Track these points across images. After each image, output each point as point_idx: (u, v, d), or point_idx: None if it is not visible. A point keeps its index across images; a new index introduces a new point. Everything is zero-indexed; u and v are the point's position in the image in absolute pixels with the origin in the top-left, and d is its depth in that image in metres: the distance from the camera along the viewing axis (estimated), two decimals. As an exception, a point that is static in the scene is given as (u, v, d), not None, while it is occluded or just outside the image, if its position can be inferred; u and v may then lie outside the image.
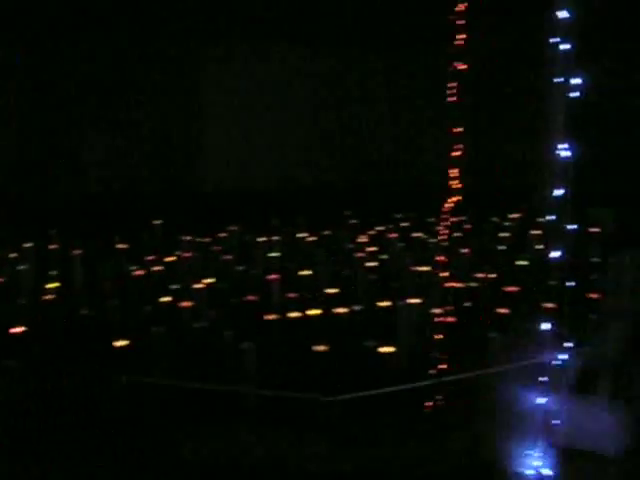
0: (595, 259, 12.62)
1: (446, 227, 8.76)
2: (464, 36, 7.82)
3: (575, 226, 3.90)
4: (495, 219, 17.14)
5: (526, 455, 3.97)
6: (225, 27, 19.14)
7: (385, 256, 13.90)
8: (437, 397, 7.91)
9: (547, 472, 3.74)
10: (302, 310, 10.74)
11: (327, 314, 10.62)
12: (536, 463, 3.75)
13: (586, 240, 12.86)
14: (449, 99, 8.38)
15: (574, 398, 4.93)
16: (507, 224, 16.48)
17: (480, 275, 12.35)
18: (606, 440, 4.76)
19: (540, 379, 3.85)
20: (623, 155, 16.32)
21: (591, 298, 10.05)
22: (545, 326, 3.80)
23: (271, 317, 10.47)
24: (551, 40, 3.67)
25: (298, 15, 19.16)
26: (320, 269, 12.76)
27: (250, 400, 8.22)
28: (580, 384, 5.07)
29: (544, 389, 3.79)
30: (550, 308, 4.63)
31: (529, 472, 3.80)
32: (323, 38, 20.08)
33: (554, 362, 3.81)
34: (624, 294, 4.76)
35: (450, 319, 9.27)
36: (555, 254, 3.73)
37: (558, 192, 3.67)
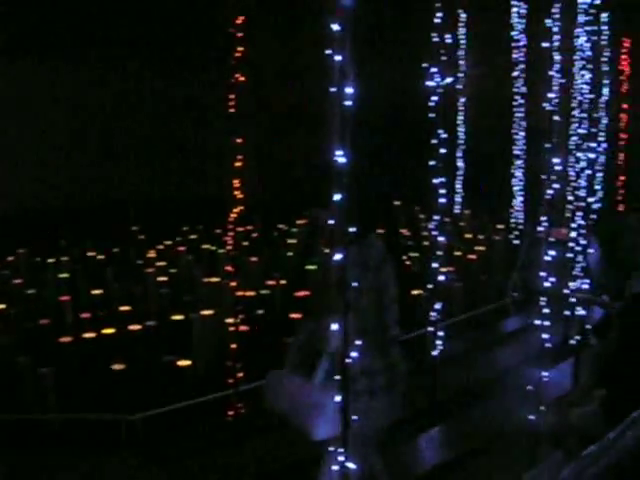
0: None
1: (232, 237, 8.90)
2: (242, 49, 7.98)
3: (355, 228, 4.06)
4: (282, 226, 17.47)
5: (331, 452, 4.12)
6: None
7: (175, 270, 13.88)
8: (238, 405, 8.04)
9: (352, 466, 3.90)
10: (97, 330, 10.60)
11: (122, 332, 10.52)
12: (341, 459, 3.90)
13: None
14: (229, 110, 8.50)
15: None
16: (294, 230, 16.81)
17: (271, 282, 12.59)
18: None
19: (335, 378, 3.99)
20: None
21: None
22: (334, 326, 3.95)
23: (66, 339, 10.27)
24: (326, 52, 3.85)
25: (70, 29, 18.71)
26: (111, 287, 12.61)
27: (53, 425, 8.04)
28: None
29: (339, 387, 3.95)
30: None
31: (334, 468, 3.94)
32: (99, 53, 19.70)
33: (346, 360, 3.97)
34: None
35: (243, 327, 9.41)
36: (337, 256, 3.89)
37: (337, 197, 3.83)
